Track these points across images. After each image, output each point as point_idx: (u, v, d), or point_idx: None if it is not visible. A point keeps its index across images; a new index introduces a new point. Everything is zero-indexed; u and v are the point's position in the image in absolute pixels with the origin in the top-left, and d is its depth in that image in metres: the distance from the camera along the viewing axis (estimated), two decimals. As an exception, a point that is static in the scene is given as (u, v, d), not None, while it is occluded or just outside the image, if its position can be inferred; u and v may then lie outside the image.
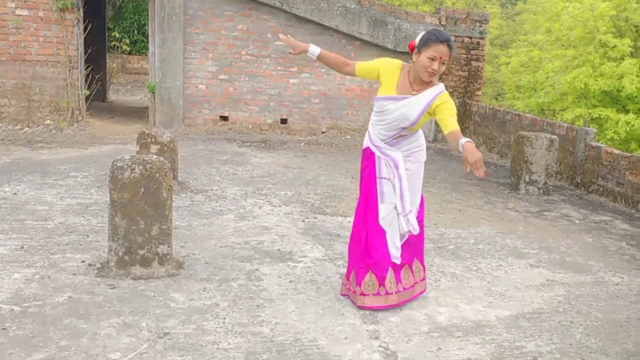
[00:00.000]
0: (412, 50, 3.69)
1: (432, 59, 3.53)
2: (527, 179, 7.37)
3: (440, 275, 4.52)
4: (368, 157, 3.86)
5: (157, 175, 4.02)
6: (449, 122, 3.51)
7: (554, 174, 7.50)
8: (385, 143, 3.78)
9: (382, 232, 3.77)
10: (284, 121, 10.70)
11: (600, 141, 9.61)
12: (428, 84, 3.66)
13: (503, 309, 4.01)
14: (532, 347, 3.49)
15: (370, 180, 3.81)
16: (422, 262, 4.04)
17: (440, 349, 3.40)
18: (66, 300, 3.70)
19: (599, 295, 4.36)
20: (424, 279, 4.07)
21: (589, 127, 8.77)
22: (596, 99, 12.93)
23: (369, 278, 3.80)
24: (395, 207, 3.78)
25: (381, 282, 3.80)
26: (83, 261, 4.34)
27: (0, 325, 3.33)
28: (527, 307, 4.06)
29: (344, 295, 3.99)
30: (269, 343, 3.33)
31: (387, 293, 3.81)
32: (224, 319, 3.59)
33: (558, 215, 6.56)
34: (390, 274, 3.81)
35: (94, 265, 4.27)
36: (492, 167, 9.16)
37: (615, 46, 12.61)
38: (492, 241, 5.46)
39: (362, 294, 3.81)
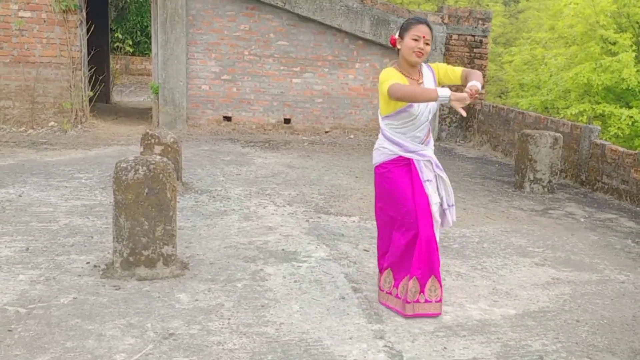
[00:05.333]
0: (394, 44, 3.79)
1: (416, 40, 3.64)
2: (532, 177, 7.35)
3: (445, 275, 4.51)
4: (403, 165, 3.77)
5: (161, 176, 4.02)
6: (456, 69, 3.83)
7: (558, 172, 7.48)
8: (421, 144, 3.79)
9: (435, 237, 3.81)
10: (287, 121, 10.70)
11: (603, 138, 9.58)
12: (417, 71, 3.78)
13: (508, 307, 4.00)
14: (538, 346, 3.48)
15: (415, 185, 3.75)
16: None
17: (445, 348, 3.39)
18: (71, 302, 3.70)
19: (605, 294, 4.34)
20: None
21: (592, 124, 8.75)
22: (599, 95, 12.90)
23: (432, 283, 3.78)
24: (440, 205, 3.85)
25: (440, 285, 3.82)
26: (88, 262, 4.34)
27: (5, 327, 3.34)
28: (532, 306, 4.05)
29: (387, 305, 3.88)
30: (274, 343, 3.33)
31: (426, 300, 3.82)
32: (229, 319, 3.59)
33: (563, 213, 6.54)
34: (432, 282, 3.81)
35: (99, 266, 4.27)
36: (497, 165, 9.14)
37: (616, 42, 12.58)
38: (497, 240, 5.45)
39: (427, 301, 3.77)
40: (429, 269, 3.76)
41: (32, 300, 3.70)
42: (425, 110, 3.73)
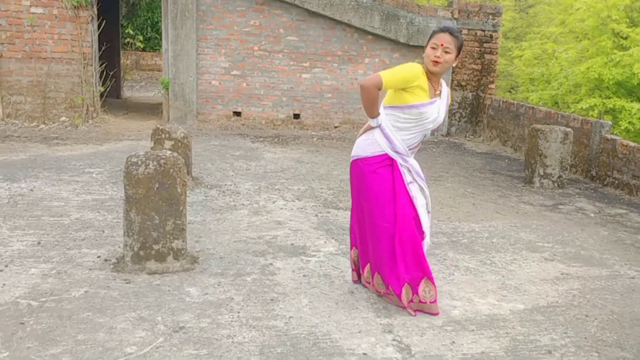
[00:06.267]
0: None
1: (434, 48, 3.61)
2: (542, 172, 7.33)
3: (454, 269, 4.52)
4: (386, 166, 3.71)
5: (172, 170, 4.04)
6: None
7: (568, 167, 7.45)
8: (408, 150, 3.74)
9: (421, 239, 3.73)
10: (296, 116, 10.72)
11: (614, 132, 9.52)
12: (439, 81, 3.76)
13: (517, 302, 4.00)
14: (547, 341, 3.48)
15: (397, 187, 3.69)
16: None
17: (454, 342, 3.40)
18: (82, 295, 3.74)
19: (615, 289, 4.33)
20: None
21: (603, 118, 8.70)
22: (610, 90, 12.81)
23: (425, 284, 3.72)
24: (426, 208, 3.81)
25: (434, 286, 3.76)
26: (99, 256, 4.38)
27: (18, 320, 3.38)
28: (541, 301, 4.05)
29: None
30: (283, 337, 3.35)
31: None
32: (239, 312, 3.61)
33: (573, 208, 6.52)
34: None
35: (110, 260, 4.31)
36: (506, 160, 9.11)
37: (628, 36, 12.48)
38: (506, 235, 5.44)
39: (421, 302, 3.73)
40: (419, 271, 3.68)
41: (44, 293, 3.74)
42: (432, 116, 3.68)
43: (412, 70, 3.60)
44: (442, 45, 3.58)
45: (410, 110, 3.64)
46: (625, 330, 3.68)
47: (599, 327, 3.71)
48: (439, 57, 3.59)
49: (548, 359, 3.28)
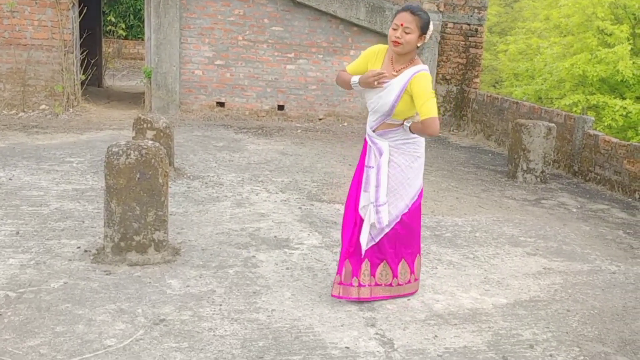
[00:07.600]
0: None
1: (395, 28, 3.48)
2: (525, 167, 7.36)
3: (437, 263, 4.52)
4: (364, 146, 3.80)
5: (153, 161, 3.99)
6: (421, 104, 3.43)
7: (551, 162, 7.49)
8: (373, 131, 3.67)
9: (360, 221, 3.64)
10: (280, 108, 10.65)
11: (597, 128, 9.60)
12: (409, 63, 3.54)
13: (500, 296, 4.01)
14: (529, 335, 3.49)
15: (360, 168, 3.75)
16: (410, 264, 3.81)
17: (436, 336, 3.40)
18: (62, 286, 3.68)
19: (596, 284, 4.36)
20: (409, 281, 3.84)
21: (586, 114, 8.76)
22: (594, 86, 12.92)
23: (346, 267, 3.68)
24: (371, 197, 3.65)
25: (355, 273, 3.66)
26: (79, 247, 4.32)
27: (-5, 311, 3.32)
28: (523, 295, 4.06)
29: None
30: (265, 330, 3.33)
31: (360, 285, 3.68)
32: (220, 305, 3.58)
33: (555, 203, 6.55)
34: (365, 266, 3.66)
35: (90, 251, 4.25)
36: (490, 154, 9.14)
37: (612, 33, 12.59)
38: (489, 229, 5.45)
39: (340, 283, 3.68)
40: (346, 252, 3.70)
41: (22, 284, 3.67)
42: (374, 97, 3.57)
43: (369, 49, 3.74)
44: (402, 25, 3.45)
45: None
46: (606, 325, 3.71)
47: (580, 321, 3.73)
48: (399, 37, 3.46)
49: (530, 353, 3.29)
